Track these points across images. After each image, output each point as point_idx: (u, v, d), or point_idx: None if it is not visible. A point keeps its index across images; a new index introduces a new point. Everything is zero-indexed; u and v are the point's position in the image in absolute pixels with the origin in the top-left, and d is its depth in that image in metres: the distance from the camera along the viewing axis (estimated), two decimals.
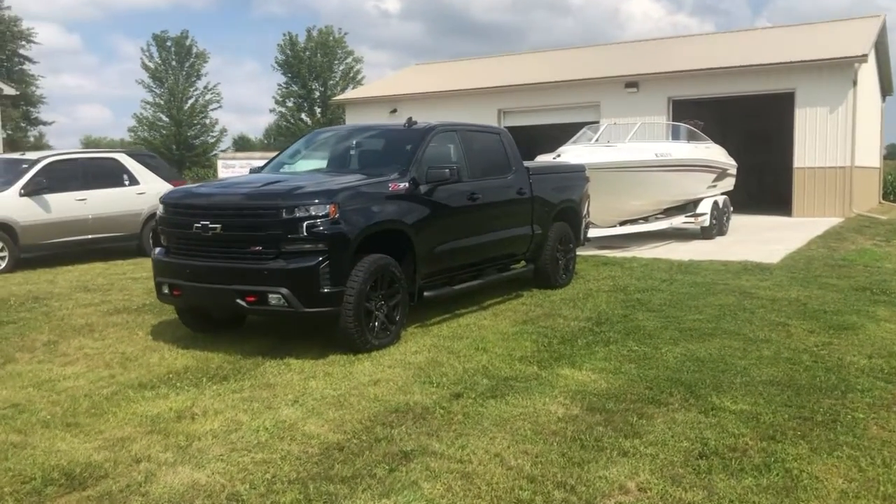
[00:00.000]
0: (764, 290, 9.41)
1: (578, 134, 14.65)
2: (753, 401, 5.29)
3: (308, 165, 8.15)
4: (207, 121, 48.42)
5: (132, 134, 49.45)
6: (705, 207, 14.79)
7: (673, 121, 22.02)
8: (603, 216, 13.39)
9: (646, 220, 14.87)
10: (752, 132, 26.65)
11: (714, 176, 15.30)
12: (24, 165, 12.08)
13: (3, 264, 11.52)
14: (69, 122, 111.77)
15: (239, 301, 6.28)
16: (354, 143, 8.30)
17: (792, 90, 20.27)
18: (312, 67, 46.67)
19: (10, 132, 58.46)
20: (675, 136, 15.13)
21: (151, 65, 48.16)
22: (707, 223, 14.70)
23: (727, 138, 27.34)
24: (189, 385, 5.72)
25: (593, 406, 5.20)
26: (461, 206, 7.81)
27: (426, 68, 31.30)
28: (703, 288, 9.61)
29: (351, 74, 48.43)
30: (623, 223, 14.06)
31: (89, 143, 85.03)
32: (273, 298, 6.18)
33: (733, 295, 9.10)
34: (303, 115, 46.88)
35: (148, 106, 48.59)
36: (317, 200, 6.25)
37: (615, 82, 22.35)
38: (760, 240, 14.79)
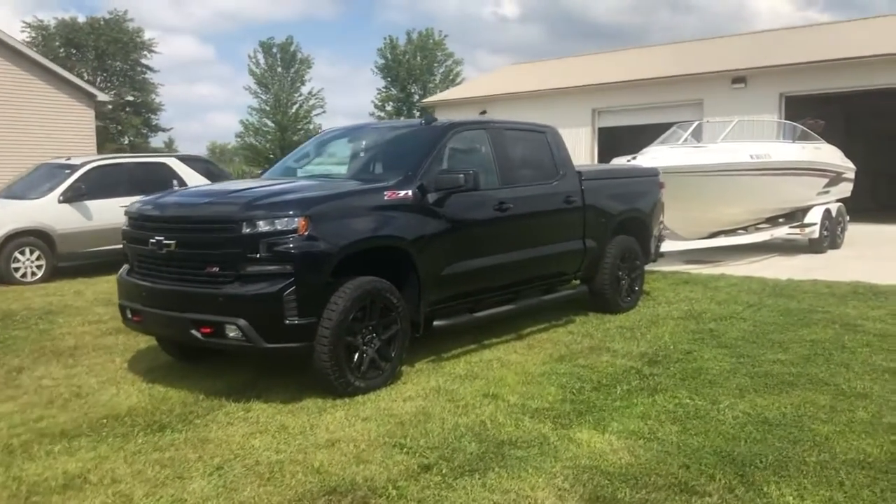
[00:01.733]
0: (873, 321, 7.67)
1: (667, 133, 13.02)
2: (829, 495, 3.81)
3: (315, 170, 7.07)
4: (311, 126, 48.72)
5: (238, 139, 50.43)
6: (814, 217, 12.85)
7: (787, 120, 19.94)
8: (690, 227, 11.78)
9: (745, 230, 13.09)
10: (881, 132, 23.89)
11: (825, 181, 13.31)
12: (67, 171, 11.65)
13: (40, 273, 11.09)
14: (202, 128, 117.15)
15: (194, 332, 5.26)
16: (364, 144, 7.18)
17: None
18: (411, 70, 46.10)
19: (132, 138, 61.15)
20: (780, 135, 13.22)
21: (258, 71, 48.92)
22: (816, 234, 12.75)
23: (851, 139, 24.90)
24: (115, 436, 4.74)
25: (599, 494, 3.85)
26: (486, 219, 6.56)
27: (520, 68, 29.95)
28: (796, 317, 7.94)
29: (451, 77, 47.54)
30: (714, 234, 12.35)
31: (214, 149, 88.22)
32: (230, 331, 5.12)
33: (832, 327, 7.42)
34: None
35: (254, 111, 49.42)
36: (282, 212, 5.16)
37: (720, 77, 20.36)
38: (881, 255, 12.72)
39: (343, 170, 6.90)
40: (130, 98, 62.05)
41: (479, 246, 6.48)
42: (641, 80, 21.62)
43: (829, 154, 13.67)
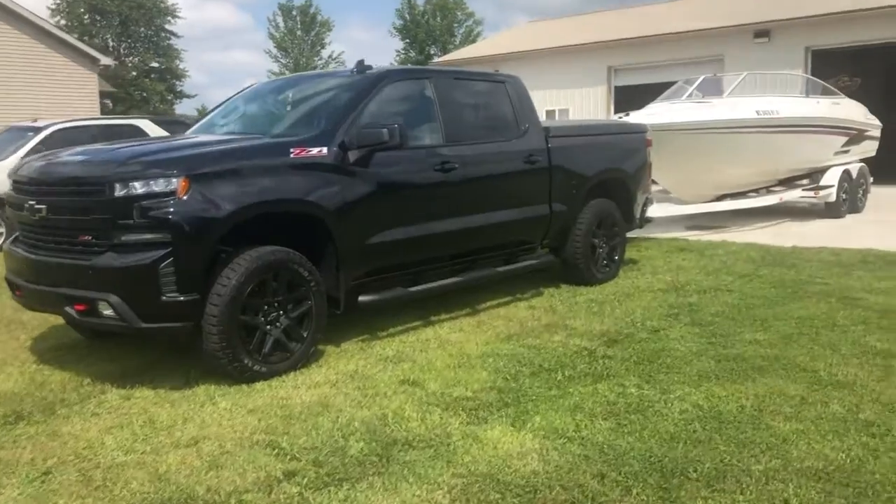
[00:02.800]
0: (877, 294, 6.80)
1: (672, 88, 12.06)
2: None
3: (236, 126, 6.31)
4: None
5: None
6: (831, 178, 11.84)
7: (814, 76, 18.71)
8: (692, 189, 10.91)
9: (756, 193, 12.15)
10: None
11: (845, 139, 12.26)
12: (30, 133, 11.11)
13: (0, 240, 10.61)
14: None
15: (69, 310, 4.63)
16: (291, 97, 6.42)
17: None
18: (430, 31, 44.90)
19: (157, 104, 60.93)
20: (793, 89, 12.14)
21: (277, 34, 48.14)
22: (833, 198, 11.76)
23: (893, 97, 23.47)
24: None
25: None
26: (424, 180, 5.81)
27: (536, 26, 28.78)
28: (790, 289, 7.10)
29: (472, 38, 46.25)
30: (721, 198, 11.43)
31: None
32: (103, 308, 4.48)
33: (827, 301, 6.57)
34: None
35: (273, 76, 48.73)
36: (159, 171, 4.47)
37: (741, 31, 19.15)
38: None
39: (265, 124, 6.16)
40: (155, 64, 61.81)
41: (416, 211, 5.74)
42: (658, 36, 20.47)
43: (849, 110, 12.58)
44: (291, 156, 4.96)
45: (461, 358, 5.25)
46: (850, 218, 12.12)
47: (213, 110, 6.89)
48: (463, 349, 5.46)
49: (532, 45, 23.84)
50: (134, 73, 59.69)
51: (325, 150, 5.12)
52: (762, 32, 18.85)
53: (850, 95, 22.19)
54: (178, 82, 63.37)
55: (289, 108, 6.26)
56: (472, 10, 47.60)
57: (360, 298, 5.45)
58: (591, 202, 7.45)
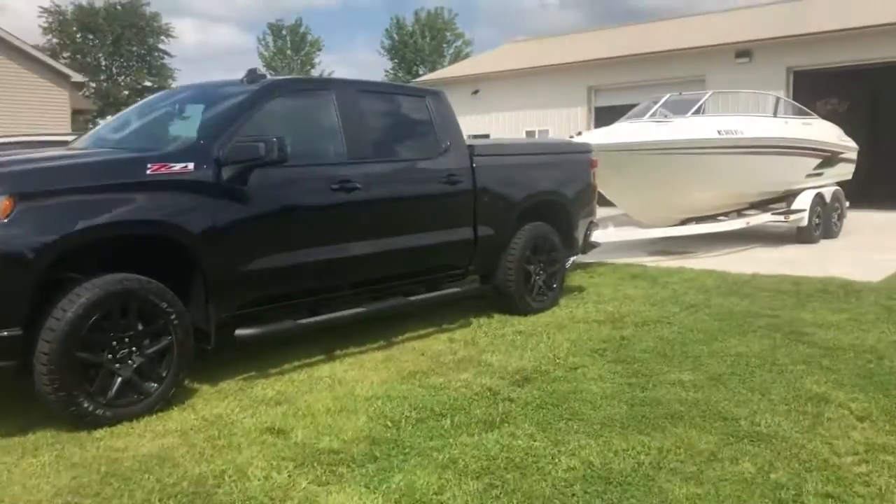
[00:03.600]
0: (827, 329, 6.23)
1: (637, 108, 11.55)
2: None
3: (122, 139, 5.76)
4: None
5: None
6: (803, 202, 11.29)
7: (799, 97, 18.25)
8: (654, 213, 10.37)
9: (726, 216, 11.60)
10: (891, 108, 22.01)
11: (818, 161, 11.73)
12: None
13: None
14: None
15: None
16: (178, 108, 5.88)
17: None
18: (419, 51, 44.58)
19: None
20: (763, 109, 11.62)
21: (267, 54, 47.89)
22: (805, 222, 11.20)
23: (879, 120, 23.03)
24: None
25: None
26: (318, 201, 5.26)
27: (518, 46, 28.41)
28: (736, 321, 6.53)
29: (461, 58, 45.95)
30: (687, 221, 10.88)
31: None
32: None
33: (772, 337, 6.01)
34: None
35: None
36: None
37: (723, 51, 18.72)
38: (879, 246, 11.14)
39: (147, 137, 5.61)
40: (148, 83, 61.63)
41: (308, 236, 5.19)
42: (638, 55, 20.04)
43: (821, 131, 12.06)
44: (148, 172, 4.42)
45: (347, 400, 4.68)
46: (823, 243, 11.56)
47: (104, 123, 6.36)
48: (354, 390, 4.89)
49: (511, 65, 23.43)
50: (126, 92, 59.52)
51: (190, 165, 4.58)
52: (744, 52, 18.42)
53: (838, 118, 21.88)
54: None
55: (175, 120, 5.73)
56: (461, 31, 47.42)
57: (237, 332, 4.89)
58: (525, 226, 6.91)
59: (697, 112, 10.64)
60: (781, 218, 11.06)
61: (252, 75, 5.37)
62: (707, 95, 11.00)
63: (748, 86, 17.40)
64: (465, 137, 6.52)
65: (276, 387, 4.97)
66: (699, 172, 9.78)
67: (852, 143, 13.06)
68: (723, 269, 9.22)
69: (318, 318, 5.29)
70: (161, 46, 62.31)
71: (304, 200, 5.17)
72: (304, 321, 5.24)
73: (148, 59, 61.69)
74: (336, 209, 5.34)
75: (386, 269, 5.81)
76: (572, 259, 8.88)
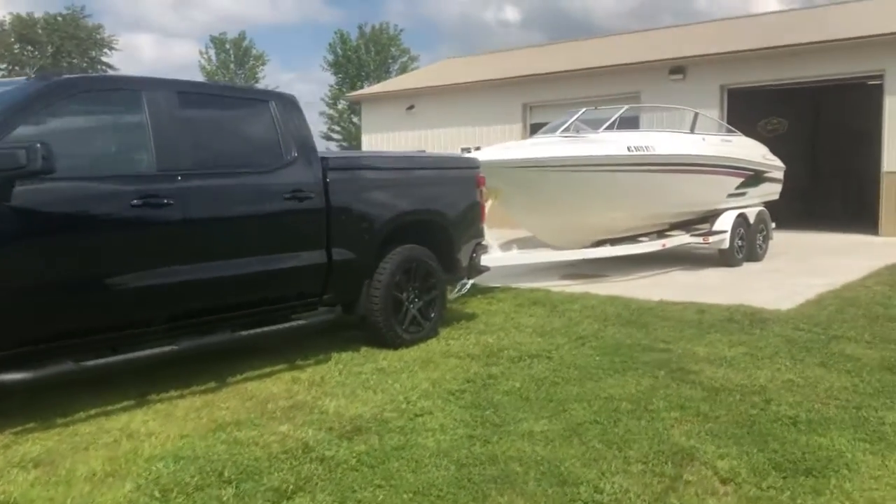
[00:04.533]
0: (719, 365, 5.59)
1: (551, 123, 10.95)
2: None
3: None
4: None
5: None
6: (724, 223, 10.76)
7: (735, 116, 17.93)
8: (563, 234, 9.72)
9: (647, 237, 11.03)
10: (836, 129, 21.93)
11: (740, 181, 11.22)
12: None
13: None
14: None
15: None
16: None
17: (880, 72, 15.72)
18: (362, 66, 43.87)
19: None
20: (681, 125, 11.08)
21: (210, 67, 46.77)
22: (726, 244, 10.65)
23: (803, 137, 22.90)
24: None
25: None
26: (113, 220, 4.48)
27: (456, 62, 27.88)
28: (622, 357, 5.87)
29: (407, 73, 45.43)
30: (601, 243, 10.26)
31: None
32: None
33: (654, 375, 5.35)
34: (354, 119, 43.80)
35: None
36: None
37: (657, 68, 18.30)
38: (801, 269, 10.64)
39: None
40: None
41: (96, 260, 4.40)
42: (573, 72, 19.57)
43: (743, 149, 11.57)
44: None
45: (123, 462, 3.89)
46: (746, 267, 11.03)
47: None
48: (139, 447, 4.09)
49: (447, 80, 22.84)
50: None
51: None
52: (677, 69, 18.03)
53: (779, 138, 21.67)
54: None
55: None
56: (406, 47, 46.82)
57: (1, 378, 4.06)
58: (395, 249, 6.19)
59: (610, 127, 10.06)
60: (700, 240, 10.50)
61: (42, 73, 4.57)
62: (622, 110, 10.43)
63: (682, 103, 16.98)
64: (317, 149, 5.77)
65: (48, 443, 4.15)
66: (607, 191, 9.19)
67: (778, 162, 12.62)
68: (631, 294, 8.59)
69: (107, 360, 4.47)
70: (104, 59, 60.75)
71: (91, 219, 4.38)
72: (92, 363, 4.41)
73: (90, 71, 60.18)
74: (137, 229, 4.56)
75: (210, 300, 5.02)
76: (469, 283, 8.24)
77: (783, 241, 14.37)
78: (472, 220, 6.99)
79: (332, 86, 45.76)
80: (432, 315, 6.55)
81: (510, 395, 4.93)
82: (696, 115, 11.23)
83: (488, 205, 8.83)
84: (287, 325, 5.50)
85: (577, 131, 10.13)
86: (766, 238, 11.83)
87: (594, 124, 10.26)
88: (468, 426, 4.37)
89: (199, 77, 46.29)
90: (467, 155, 7.75)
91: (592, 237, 10.07)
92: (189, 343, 4.86)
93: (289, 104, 5.68)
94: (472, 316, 7.61)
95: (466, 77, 22.57)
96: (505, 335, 6.69)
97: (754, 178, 11.58)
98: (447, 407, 4.72)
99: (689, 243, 10.68)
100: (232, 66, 46.76)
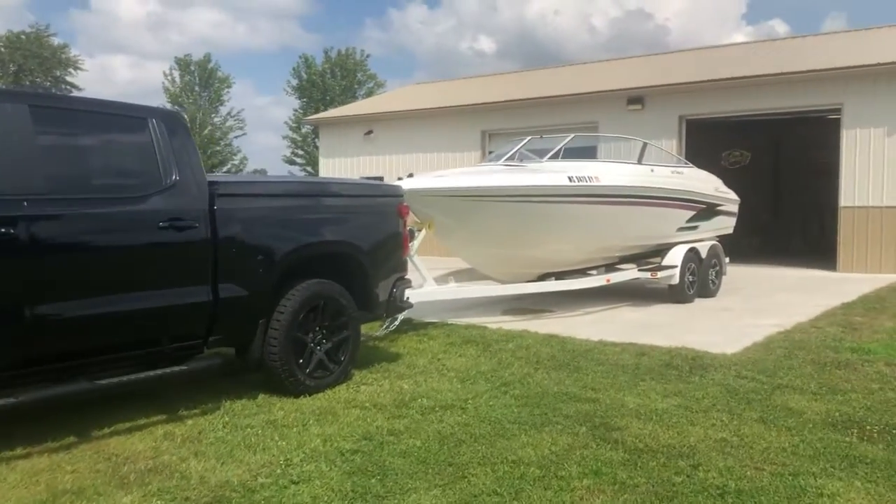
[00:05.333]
0: (647, 419, 5.04)
1: (497, 151, 10.47)
2: None
3: None
4: (228, 148, 45.78)
5: None
6: (674, 258, 10.30)
7: (696, 148, 17.63)
8: (502, 267, 9.18)
9: (596, 271, 10.53)
10: (798, 162, 21.80)
11: (691, 213, 10.78)
12: None
13: None
14: None
15: None
16: None
17: (838, 106, 15.49)
18: (327, 91, 43.31)
19: None
20: (629, 155, 10.61)
21: (174, 89, 45.98)
22: (676, 280, 10.18)
23: (765, 170, 22.74)
24: None
25: None
26: None
27: (418, 88, 27.51)
28: (544, 408, 5.30)
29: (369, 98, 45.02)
30: (545, 276, 9.73)
31: None
32: None
33: (576, 431, 4.79)
34: (318, 143, 43.04)
35: None
36: None
37: (615, 98, 17.97)
38: (754, 308, 10.18)
39: None
40: None
41: None
42: (532, 100, 19.18)
43: (695, 181, 11.14)
44: None
45: None
46: (697, 303, 10.56)
47: None
48: None
49: (406, 106, 22.38)
50: None
51: None
52: (636, 99, 17.71)
53: (740, 170, 21.44)
54: None
55: None
56: (373, 72, 46.37)
57: None
58: (299, 284, 5.58)
59: (555, 156, 9.58)
60: (648, 275, 10.02)
61: None
62: (567, 139, 9.96)
63: (641, 132, 16.62)
64: (205, 173, 5.16)
65: None
66: (547, 223, 8.67)
67: (732, 195, 12.22)
68: (571, 333, 8.04)
69: None
70: (69, 79, 59.72)
71: None
72: None
73: (54, 90, 59.08)
74: None
75: (61, 343, 4.37)
76: (398, 319, 7.67)
77: (741, 276, 14.03)
78: (391, 252, 6.42)
79: (296, 110, 45.17)
80: (342, 358, 5.93)
81: (407, 458, 4.32)
82: (645, 145, 10.79)
83: (421, 235, 8.30)
84: (158, 371, 4.84)
85: (522, 160, 9.64)
86: (720, 273, 11.39)
87: (543, 154, 9.77)
88: (345, 499, 3.76)
89: (162, 99, 45.59)
90: (393, 182, 7.17)
91: (536, 270, 9.54)
92: (31, 395, 4.19)
93: (172, 122, 5.08)
94: (396, 356, 7.01)
95: (426, 103, 22.14)
96: (424, 380, 6.09)
97: (707, 210, 11.15)
98: (330, 472, 4.11)
99: (636, 278, 10.19)
100: (197, 88, 46.00)
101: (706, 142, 18.97)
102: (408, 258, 6.68)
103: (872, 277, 13.82)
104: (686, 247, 10.45)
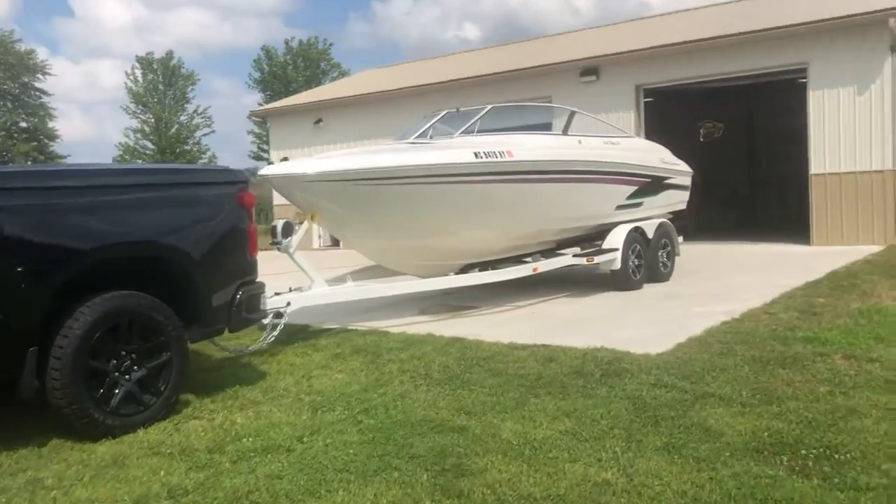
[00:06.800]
0: (519, 455, 3.92)
1: (410, 127, 9.30)
2: None
3: None
4: (196, 147, 44.39)
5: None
6: (615, 240, 9.14)
7: (655, 118, 16.49)
8: (413, 260, 8.03)
9: (532, 258, 9.38)
10: (772, 131, 20.70)
11: (632, 189, 9.60)
12: None
13: None
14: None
15: None
16: None
17: (803, 65, 14.34)
18: (289, 83, 41.82)
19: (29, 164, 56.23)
20: (554, 126, 9.36)
21: (138, 89, 44.49)
22: (617, 265, 9.03)
23: (738, 141, 21.63)
24: None
25: None
26: None
27: (370, 73, 26.29)
28: (392, 444, 4.18)
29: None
30: (467, 268, 8.58)
31: None
32: None
33: (415, 480, 3.67)
34: None
35: (131, 133, 44.88)
36: None
37: (568, 69, 16.81)
38: (706, 292, 9.06)
39: None
40: (24, 124, 57.47)
41: None
42: (480, 77, 17.98)
43: (635, 152, 9.95)
44: None
45: None
46: (645, 289, 9.42)
47: None
48: None
49: (350, 92, 21.20)
50: (1, 133, 55.24)
51: None
52: (589, 70, 16.55)
53: (714, 142, 20.31)
54: (49, 142, 59.01)
55: None
56: (337, 61, 44.89)
57: None
58: (91, 299, 4.42)
59: (469, 131, 8.40)
60: (584, 260, 8.86)
61: None
62: (485, 110, 8.77)
63: (596, 105, 15.60)
64: None
65: None
66: (452, 207, 7.53)
67: (683, 166, 11.04)
68: (482, 334, 6.91)
69: None
70: (37, 85, 58.27)
71: None
72: None
73: (23, 98, 57.64)
74: None
75: None
76: (279, 326, 6.57)
77: (705, 254, 13.01)
78: (229, 252, 5.27)
79: (260, 104, 43.70)
80: (161, 386, 4.77)
81: None
82: (572, 113, 9.61)
83: (302, 228, 7.14)
84: None
85: (434, 137, 8.48)
86: (672, 255, 10.23)
87: (455, 126, 8.60)
88: None
89: (125, 100, 44.27)
90: (241, 167, 6.02)
91: (453, 262, 8.37)
92: None
93: None
94: (260, 376, 5.88)
95: (368, 88, 20.95)
96: (270, 410, 4.95)
97: (652, 185, 9.98)
98: None
99: (571, 265, 9.04)
100: (161, 86, 44.55)
101: (674, 115, 17.88)
102: (256, 258, 5.50)
103: (847, 250, 12.70)
104: (628, 227, 9.29)
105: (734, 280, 9.97)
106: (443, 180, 7.25)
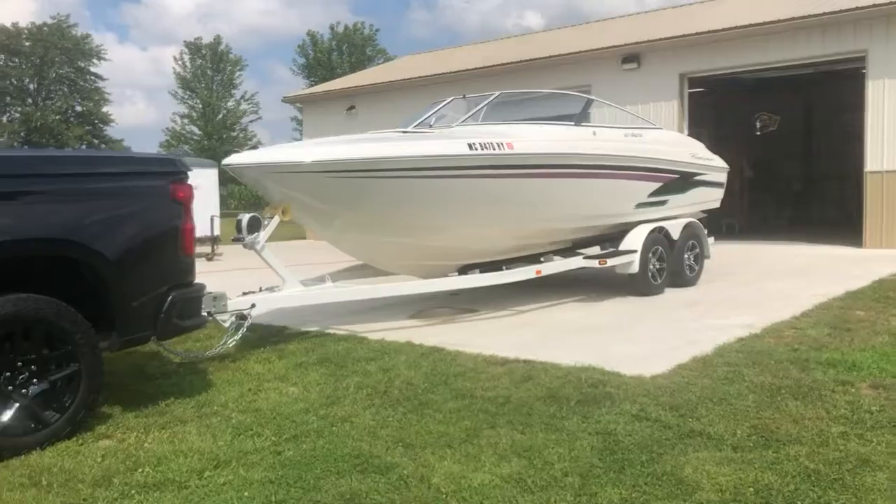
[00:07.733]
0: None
1: (414, 115, 8.63)
2: None
3: None
4: (242, 133, 44.44)
5: (163, 149, 46.24)
6: (633, 241, 8.34)
7: (702, 110, 15.52)
8: (403, 260, 7.38)
9: (542, 259, 8.65)
10: (831, 125, 19.39)
11: (655, 186, 8.74)
12: None
13: None
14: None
15: None
16: None
17: (862, 53, 13.20)
18: (332, 68, 41.38)
19: (82, 147, 57.31)
20: (567, 116, 8.48)
21: (187, 74, 44.74)
22: (636, 268, 8.22)
23: (795, 135, 20.42)
24: None
25: None
26: None
27: (404, 61, 25.71)
28: (301, 485, 3.56)
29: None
30: (467, 269, 7.88)
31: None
32: None
33: None
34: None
35: (178, 119, 45.16)
36: None
37: (609, 56, 15.93)
38: (732, 300, 8.20)
39: None
40: (79, 108, 58.63)
41: None
42: (517, 64, 17.19)
43: (661, 145, 9.06)
44: None
45: None
46: (666, 295, 8.60)
47: None
48: None
49: (384, 79, 20.62)
50: (57, 117, 56.44)
51: None
52: (631, 57, 15.63)
53: (770, 135, 19.15)
54: (104, 126, 60.05)
55: None
56: (382, 47, 44.35)
57: None
58: None
59: (473, 120, 7.69)
60: (596, 263, 8.07)
61: None
62: (492, 97, 8.04)
63: (637, 94, 14.79)
64: None
65: None
66: (444, 203, 6.82)
67: (718, 162, 10.10)
68: (467, 344, 6.24)
69: None
70: (92, 69, 59.41)
71: None
72: None
73: (80, 83, 58.80)
74: None
75: None
76: (242, 329, 6.03)
77: (749, 254, 12.21)
78: (158, 252, 4.67)
79: (304, 89, 43.61)
80: (67, 403, 4.22)
81: None
82: (589, 101, 8.79)
83: (272, 224, 6.54)
84: None
85: (434, 125, 7.80)
86: (700, 257, 9.35)
87: (457, 114, 7.92)
88: None
89: (172, 84, 44.56)
90: (180, 156, 5.42)
91: (451, 262, 7.69)
92: None
93: None
94: (203, 388, 5.30)
95: (401, 74, 20.33)
96: (190, 432, 4.35)
97: (679, 182, 9.10)
98: None
99: (581, 267, 8.25)
100: (209, 71, 44.73)
101: (726, 106, 16.84)
102: (193, 257, 4.91)
103: None
104: (649, 227, 8.47)
105: (767, 286, 9.05)
106: (431, 174, 6.55)
